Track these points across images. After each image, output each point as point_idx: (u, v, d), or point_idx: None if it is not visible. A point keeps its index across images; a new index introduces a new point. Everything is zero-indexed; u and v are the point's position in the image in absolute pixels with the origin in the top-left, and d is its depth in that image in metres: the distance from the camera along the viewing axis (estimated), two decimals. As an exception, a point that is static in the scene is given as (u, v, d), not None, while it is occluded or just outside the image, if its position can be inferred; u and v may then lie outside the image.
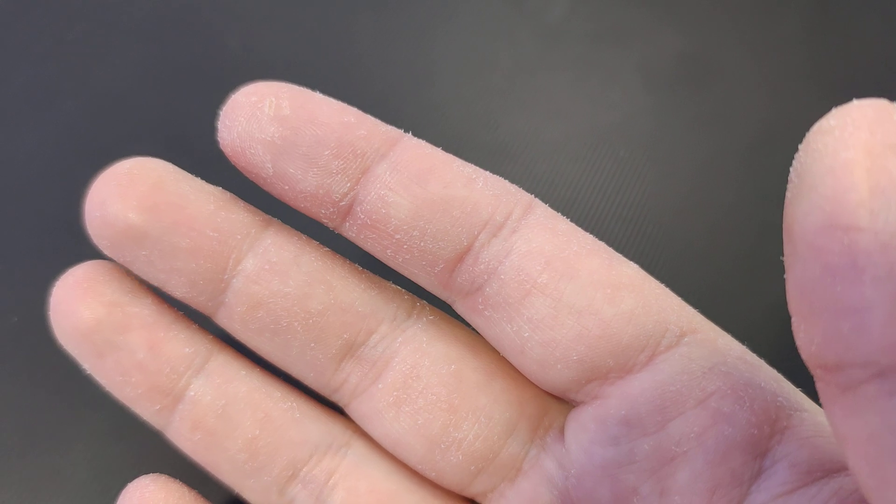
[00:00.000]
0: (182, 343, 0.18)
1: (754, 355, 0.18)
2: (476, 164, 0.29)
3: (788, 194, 0.12)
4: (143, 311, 0.18)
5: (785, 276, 0.12)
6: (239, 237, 0.17)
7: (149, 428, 0.25)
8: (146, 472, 0.25)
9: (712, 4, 0.33)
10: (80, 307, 0.17)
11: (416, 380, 0.18)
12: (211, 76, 0.32)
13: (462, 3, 0.34)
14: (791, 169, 0.12)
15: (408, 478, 0.19)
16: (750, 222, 0.29)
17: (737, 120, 0.31)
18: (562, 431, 0.18)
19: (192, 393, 0.18)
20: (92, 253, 0.28)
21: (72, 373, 0.26)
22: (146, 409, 0.18)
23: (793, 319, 0.12)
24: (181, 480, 0.20)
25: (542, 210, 0.18)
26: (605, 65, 0.32)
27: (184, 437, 0.18)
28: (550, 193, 0.29)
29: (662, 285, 0.18)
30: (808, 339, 0.12)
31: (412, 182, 0.17)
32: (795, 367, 0.27)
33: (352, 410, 0.19)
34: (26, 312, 0.27)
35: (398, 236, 0.17)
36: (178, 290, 0.18)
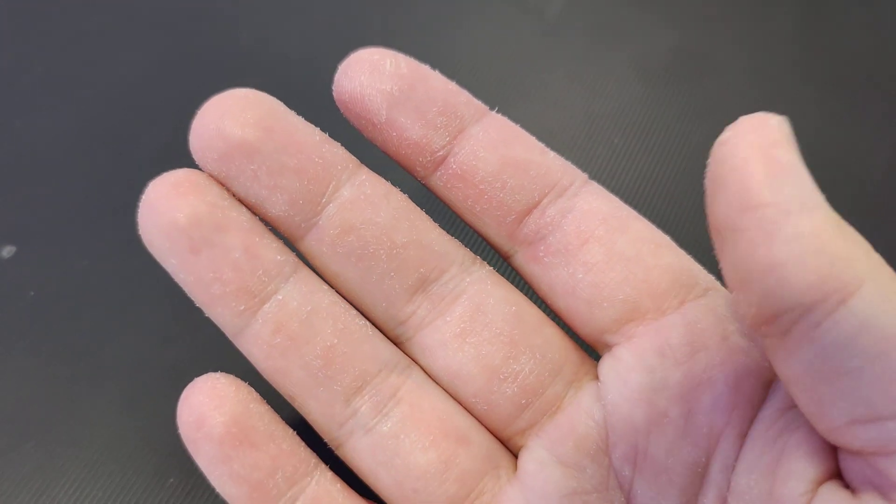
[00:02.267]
0: (275, 251, 0.19)
1: None
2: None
3: (707, 199, 0.15)
4: (241, 217, 0.19)
5: (720, 266, 0.15)
6: (339, 167, 0.19)
7: (161, 401, 0.26)
8: (159, 443, 0.26)
9: (705, 2, 0.34)
10: (181, 203, 0.18)
11: (482, 315, 0.20)
12: (224, 68, 0.33)
13: (466, 1, 0.35)
14: (705, 181, 0.15)
15: (460, 408, 0.20)
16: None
17: (727, 111, 0.31)
18: (596, 377, 0.20)
19: (281, 297, 0.19)
20: (106, 235, 0.29)
21: (88, 345, 0.27)
22: (230, 309, 0.19)
23: (732, 296, 0.16)
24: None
25: (597, 186, 0.20)
26: (601, 58, 0.33)
27: (263, 340, 0.19)
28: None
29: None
30: (747, 304, 0.14)
31: (501, 143, 0.20)
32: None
33: (414, 343, 0.20)
34: (43, 288, 0.28)
35: (482, 187, 0.19)
36: (276, 208, 0.19)
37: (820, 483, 0.15)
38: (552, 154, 0.20)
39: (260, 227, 0.19)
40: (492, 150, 0.19)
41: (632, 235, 0.19)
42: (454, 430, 0.20)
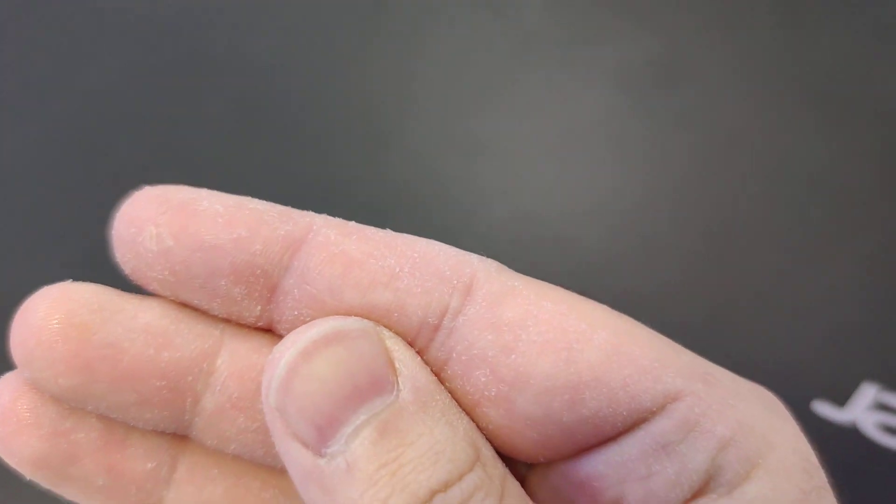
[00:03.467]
0: (142, 458, 0.16)
1: None
2: (455, 159, 0.30)
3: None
4: (91, 434, 0.15)
5: None
6: (190, 379, 0.15)
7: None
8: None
9: (682, 11, 0.34)
10: (20, 446, 0.15)
11: None
12: (197, 77, 0.33)
13: (444, 10, 0.35)
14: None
15: None
16: (714, 217, 0.30)
17: (704, 121, 0.32)
18: None
19: None
20: (72, 250, 0.28)
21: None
22: None
23: None
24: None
25: (485, 290, 0.15)
26: (579, 68, 0.33)
27: None
28: (523, 186, 0.30)
29: None
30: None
31: (326, 296, 0.14)
32: (743, 360, 0.29)
33: None
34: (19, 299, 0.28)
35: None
36: (139, 426, 0.16)
37: None
38: (407, 273, 0.14)
39: (117, 434, 0.15)
40: (318, 309, 0.14)
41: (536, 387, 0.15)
42: None
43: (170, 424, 0.15)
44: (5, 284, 0.28)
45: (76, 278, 0.23)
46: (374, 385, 0.13)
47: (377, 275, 0.14)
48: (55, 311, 0.14)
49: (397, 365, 0.14)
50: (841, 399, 0.27)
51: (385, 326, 0.14)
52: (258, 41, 0.34)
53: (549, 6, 0.34)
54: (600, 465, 0.14)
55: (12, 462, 0.15)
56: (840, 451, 0.26)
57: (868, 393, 0.27)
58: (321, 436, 0.13)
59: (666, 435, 0.14)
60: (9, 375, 0.15)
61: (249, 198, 0.15)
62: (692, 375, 0.14)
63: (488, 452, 0.14)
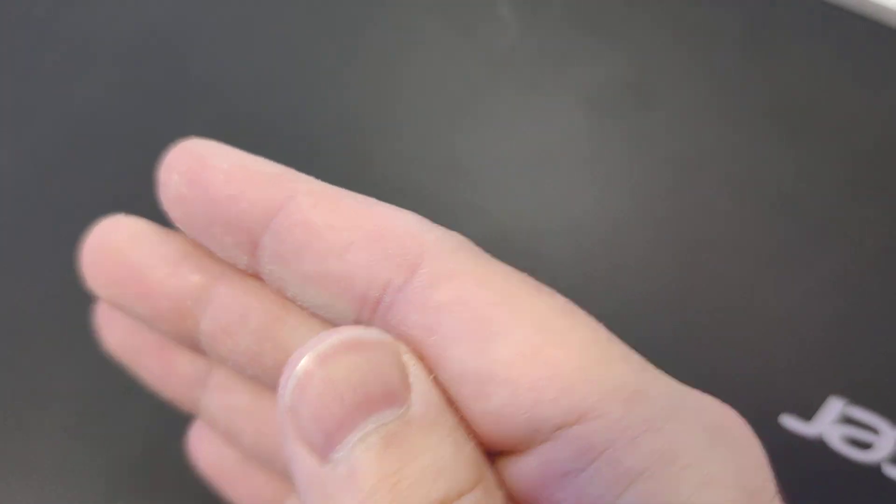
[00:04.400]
0: (186, 363, 0.19)
1: None
2: (429, 179, 0.31)
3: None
4: (150, 336, 0.19)
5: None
6: (189, 303, 0.18)
7: (107, 425, 0.26)
8: (109, 465, 0.26)
9: (649, 34, 0.35)
10: (107, 336, 0.20)
11: None
12: (177, 98, 0.33)
13: (418, 31, 0.35)
14: None
15: None
16: (683, 233, 0.31)
17: (671, 142, 0.32)
18: None
19: (203, 402, 0.19)
20: (51, 270, 0.29)
21: (35, 368, 0.27)
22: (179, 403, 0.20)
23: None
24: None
25: (427, 269, 0.15)
26: (549, 90, 0.34)
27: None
28: (497, 205, 0.31)
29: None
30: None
31: (292, 256, 0.16)
32: (711, 375, 0.29)
33: None
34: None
35: (299, 302, 0.16)
36: (170, 339, 0.19)
37: None
38: (361, 244, 0.15)
39: (169, 342, 0.19)
40: (284, 268, 0.16)
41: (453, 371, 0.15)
42: None
43: (184, 339, 0.18)
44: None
45: (50, 294, 0.25)
46: (387, 396, 0.13)
47: (332, 245, 0.15)
48: (101, 237, 0.18)
49: (412, 380, 0.14)
50: (808, 413, 0.27)
51: (335, 295, 0.15)
52: (235, 66, 0.34)
53: (523, 28, 0.35)
54: (521, 476, 0.14)
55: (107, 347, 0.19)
56: (807, 463, 0.27)
57: (835, 407, 0.27)
58: (328, 441, 0.13)
59: (565, 462, 0.13)
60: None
61: (257, 157, 0.16)
62: (613, 392, 0.13)
63: (491, 477, 0.14)
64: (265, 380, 0.18)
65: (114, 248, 0.18)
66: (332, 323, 0.16)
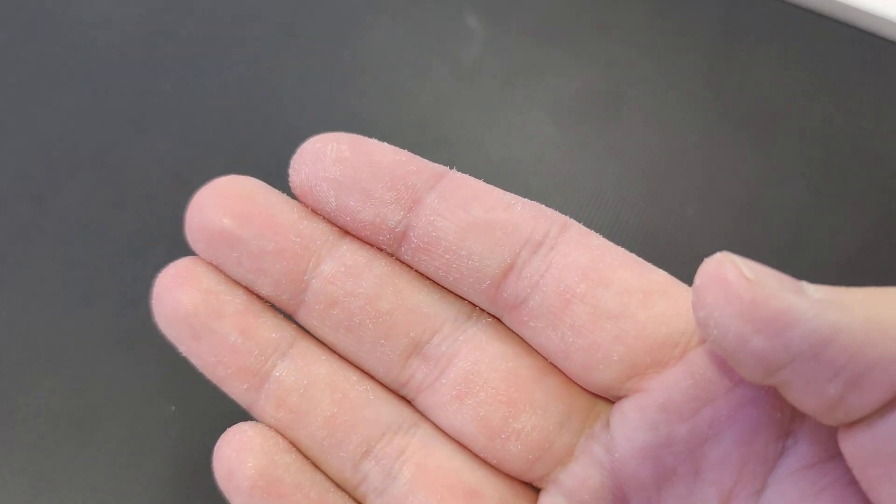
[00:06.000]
0: (270, 328, 0.20)
1: None
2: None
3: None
4: (236, 299, 0.19)
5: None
6: (318, 243, 0.19)
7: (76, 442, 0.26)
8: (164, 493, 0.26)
9: (618, 43, 0.36)
10: (180, 294, 0.19)
11: (477, 375, 0.20)
12: (147, 116, 0.33)
13: (384, 46, 0.36)
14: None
15: (471, 459, 0.20)
16: (652, 245, 0.31)
17: (640, 151, 0.33)
18: (608, 422, 0.19)
19: (278, 374, 0.20)
20: (53, 285, 0.29)
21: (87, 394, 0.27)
22: (235, 389, 0.20)
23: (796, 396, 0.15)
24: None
25: (576, 228, 0.19)
26: (517, 101, 0.34)
27: (269, 414, 0.20)
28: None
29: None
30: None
31: (458, 208, 0.19)
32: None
33: (418, 403, 0.20)
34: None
35: (448, 257, 0.19)
36: (263, 289, 0.19)
37: None
38: (520, 206, 0.19)
39: (256, 306, 0.20)
40: (450, 218, 0.19)
41: (616, 288, 0.18)
42: (462, 486, 0.20)
43: (287, 289, 0.19)
44: None
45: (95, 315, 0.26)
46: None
47: (499, 200, 0.19)
48: (233, 181, 0.20)
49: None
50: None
51: (496, 241, 0.19)
52: (202, 84, 0.34)
53: (489, 40, 0.35)
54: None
55: (172, 308, 0.19)
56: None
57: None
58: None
59: None
60: (184, 258, 0.20)
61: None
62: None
63: None
64: (370, 330, 0.20)
65: (244, 190, 0.19)
66: (451, 290, 0.20)
